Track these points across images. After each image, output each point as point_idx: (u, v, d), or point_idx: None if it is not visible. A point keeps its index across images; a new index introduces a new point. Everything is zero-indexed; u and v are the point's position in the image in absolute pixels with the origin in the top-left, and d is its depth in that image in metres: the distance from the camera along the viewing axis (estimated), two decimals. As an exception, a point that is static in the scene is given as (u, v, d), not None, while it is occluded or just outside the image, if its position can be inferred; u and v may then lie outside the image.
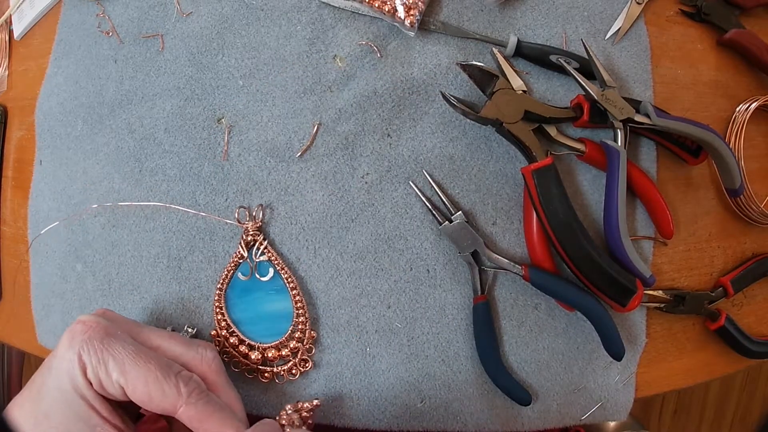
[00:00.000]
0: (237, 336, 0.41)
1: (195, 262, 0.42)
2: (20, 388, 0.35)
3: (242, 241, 0.41)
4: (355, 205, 0.42)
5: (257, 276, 0.41)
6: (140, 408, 0.35)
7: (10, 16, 0.50)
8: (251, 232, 0.41)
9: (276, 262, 0.41)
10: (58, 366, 0.31)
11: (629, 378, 0.45)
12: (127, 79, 0.44)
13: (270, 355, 0.41)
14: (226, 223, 0.42)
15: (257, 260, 0.41)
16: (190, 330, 0.41)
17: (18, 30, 0.50)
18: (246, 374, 0.41)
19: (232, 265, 0.41)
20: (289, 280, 0.41)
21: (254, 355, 0.41)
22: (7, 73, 0.51)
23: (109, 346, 0.31)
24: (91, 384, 0.31)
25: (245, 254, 0.41)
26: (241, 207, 0.42)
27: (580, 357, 0.44)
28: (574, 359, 0.44)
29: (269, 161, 0.42)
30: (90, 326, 0.32)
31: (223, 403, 0.33)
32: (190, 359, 0.34)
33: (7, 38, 0.51)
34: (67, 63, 0.47)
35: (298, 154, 0.42)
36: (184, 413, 0.31)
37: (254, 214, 0.42)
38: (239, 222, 0.41)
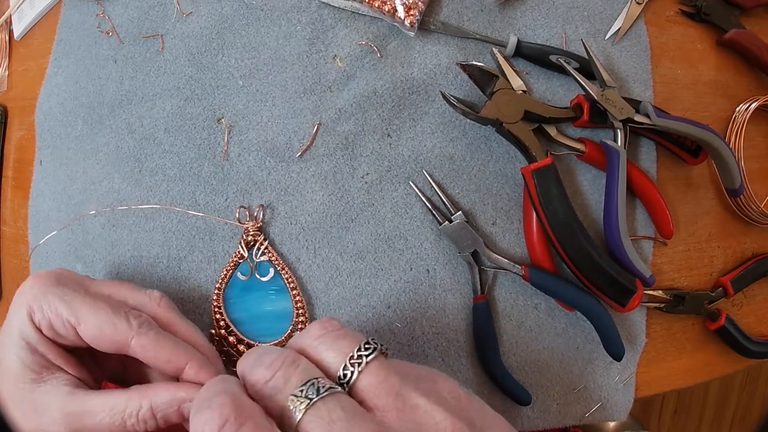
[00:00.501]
0: (236, 335, 0.41)
1: (195, 262, 0.42)
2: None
3: (242, 241, 0.41)
4: (355, 205, 0.42)
5: (257, 276, 0.41)
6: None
7: (10, 16, 0.50)
8: (252, 232, 0.41)
9: (276, 262, 0.41)
10: (8, 321, 0.32)
11: (629, 378, 0.45)
12: (127, 79, 0.44)
13: None
14: (227, 223, 0.42)
15: (257, 260, 0.41)
16: None
17: (18, 30, 0.50)
18: None
19: (232, 264, 0.41)
20: (290, 280, 0.41)
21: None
22: (7, 73, 0.51)
23: (59, 289, 0.32)
24: (40, 331, 0.31)
25: (245, 254, 0.41)
26: (241, 207, 0.42)
27: (580, 357, 0.44)
28: (574, 359, 0.44)
29: (269, 161, 0.42)
30: (39, 276, 0.33)
31: (177, 338, 0.33)
32: (140, 301, 0.34)
33: (7, 38, 0.51)
34: (67, 63, 0.47)
35: (298, 154, 0.42)
36: (136, 344, 0.31)
37: (255, 214, 0.42)
38: (240, 222, 0.41)
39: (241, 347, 0.41)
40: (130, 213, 0.43)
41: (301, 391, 0.24)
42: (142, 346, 0.31)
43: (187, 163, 0.42)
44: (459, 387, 0.26)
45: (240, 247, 0.41)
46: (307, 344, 0.27)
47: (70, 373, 0.32)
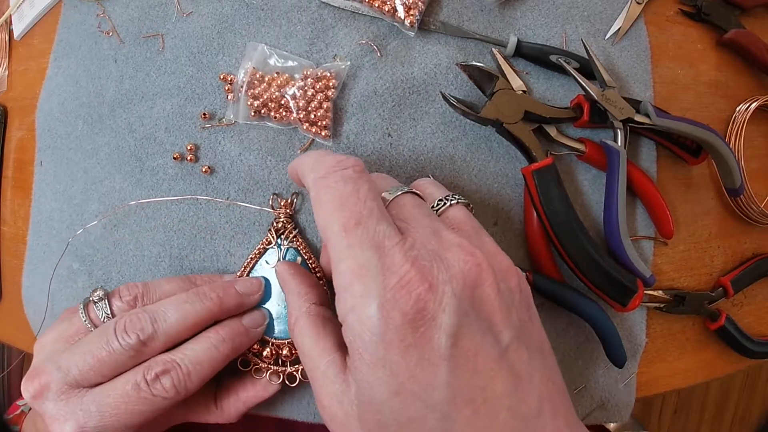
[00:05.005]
0: None
1: (197, 261, 0.42)
2: (20, 387, 0.34)
3: (272, 228, 0.40)
4: (356, 205, 0.42)
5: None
6: None
7: (10, 16, 0.50)
8: (282, 219, 0.40)
9: (304, 251, 0.40)
10: None
11: (630, 378, 0.45)
12: (127, 78, 0.44)
13: (284, 352, 0.39)
14: (258, 210, 0.41)
15: (285, 247, 0.40)
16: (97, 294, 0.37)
17: (18, 30, 0.50)
18: (253, 374, 0.39)
19: (257, 252, 0.40)
20: (317, 269, 0.39)
21: (266, 352, 0.39)
22: (7, 73, 0.51)
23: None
24: None
25: (273, 240, 0.40)
26: (274, 194, 0.41)
27: (580, 357, 0.44)
28: (574, 359, 0.44)
29: (270, 160, 0.42)
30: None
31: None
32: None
33: (7, 38, 0.51)
34: (68, 63, 0.47)
35: (299, 153, 0.42)
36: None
37: (289, 201, 0.41)
38: (272, 208, 0.41)
39: (255, 345, 0.39)
40: (131, 212, 0.43)
41: (399, 188, 0.32)
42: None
43: (189, 162, 0.42)
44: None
45: (269, 234, 0.40)
46: (418, 182, 0.35)
47: None
